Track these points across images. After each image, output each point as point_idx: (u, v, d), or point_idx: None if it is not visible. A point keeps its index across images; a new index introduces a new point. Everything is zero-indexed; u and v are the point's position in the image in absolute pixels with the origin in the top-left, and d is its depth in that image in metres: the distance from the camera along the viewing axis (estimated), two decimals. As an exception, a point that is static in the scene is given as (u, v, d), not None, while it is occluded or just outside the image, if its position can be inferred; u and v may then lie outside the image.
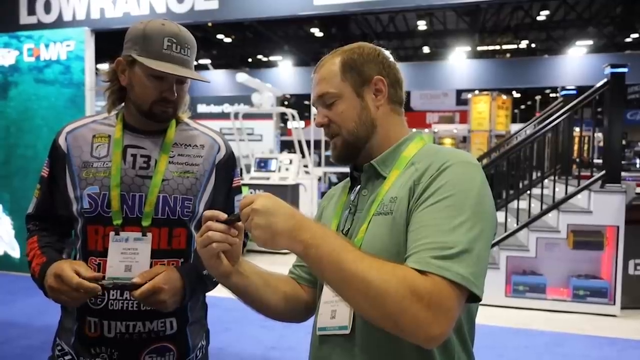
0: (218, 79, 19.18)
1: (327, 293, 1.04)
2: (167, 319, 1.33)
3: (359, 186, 1.10)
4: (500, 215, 5.13)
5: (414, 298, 0.80)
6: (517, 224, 4.94)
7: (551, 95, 23.18)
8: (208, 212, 0.98)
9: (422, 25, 17.71)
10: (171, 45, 1.26)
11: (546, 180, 5.63)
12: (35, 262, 1.29)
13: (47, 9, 5.47)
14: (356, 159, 1.10)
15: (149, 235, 1.30)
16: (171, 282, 1.23)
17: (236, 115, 8.66)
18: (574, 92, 6.18)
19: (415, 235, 0.89)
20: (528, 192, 5.14)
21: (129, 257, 1.28)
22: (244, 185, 6.89)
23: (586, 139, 6.80)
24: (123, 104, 1.39)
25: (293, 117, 8.19)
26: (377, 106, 1.07)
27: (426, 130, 17.99)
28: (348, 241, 0.91)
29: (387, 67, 1.09)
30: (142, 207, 1.30)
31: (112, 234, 1.28)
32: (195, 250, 1.38)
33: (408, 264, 0.86)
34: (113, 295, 1.29)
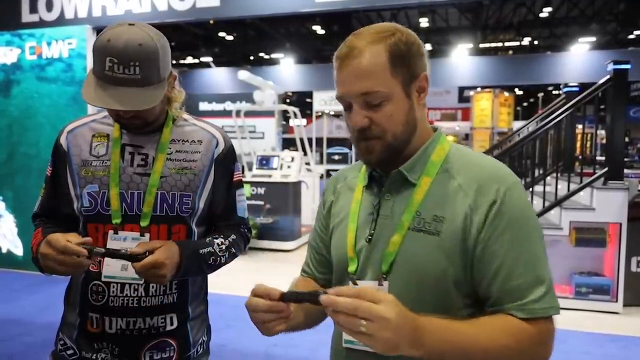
0: (220, 77, 19.21)
1: None
2: (167, 315, 1.34)
3: (377, 186, 1.02)
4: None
5: (536, 348, 0.90)
6: (519, 221, 4.93)
7: (554, 92, 23.11)
8: (260, 289, 0.87)
9: (424, 22, 17.69)
10: (112, 65, 1.17)
11: (548, 178, 5.61)
12: (34, 242, 1.30)
13: (49, 6, 5.48)
14: (396, 162, 0.98)
15: (147, 235, 1.30)
16: (171, 257, 1.22)
17: (238, 113, 8.66)
18: (577, 89, 6.16)
19: (501, 274, 0.90)
20: (530, 189, 5.14)
21: None
22: (246, 182, 6.89)
23: (588, 136, 6.77)
24: None
25: (295, 114, 8.19)
26: (419, 105, 0.97)
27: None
28: (459, 322, 0.86)
29: (426, 58, 0.97)
30: (140, 205, 1.30)
31: (110, 232, 1.29)
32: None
33: (513, 312, 0.89)
34: (113, 292, 1.29)
